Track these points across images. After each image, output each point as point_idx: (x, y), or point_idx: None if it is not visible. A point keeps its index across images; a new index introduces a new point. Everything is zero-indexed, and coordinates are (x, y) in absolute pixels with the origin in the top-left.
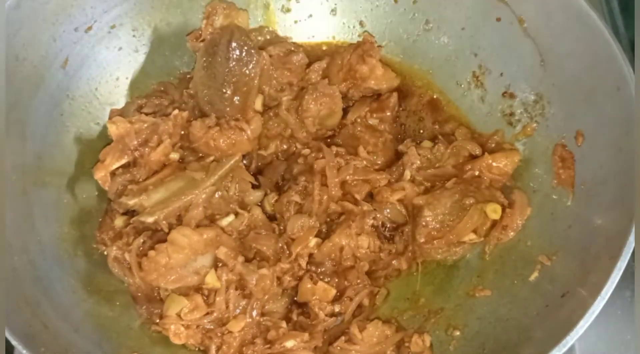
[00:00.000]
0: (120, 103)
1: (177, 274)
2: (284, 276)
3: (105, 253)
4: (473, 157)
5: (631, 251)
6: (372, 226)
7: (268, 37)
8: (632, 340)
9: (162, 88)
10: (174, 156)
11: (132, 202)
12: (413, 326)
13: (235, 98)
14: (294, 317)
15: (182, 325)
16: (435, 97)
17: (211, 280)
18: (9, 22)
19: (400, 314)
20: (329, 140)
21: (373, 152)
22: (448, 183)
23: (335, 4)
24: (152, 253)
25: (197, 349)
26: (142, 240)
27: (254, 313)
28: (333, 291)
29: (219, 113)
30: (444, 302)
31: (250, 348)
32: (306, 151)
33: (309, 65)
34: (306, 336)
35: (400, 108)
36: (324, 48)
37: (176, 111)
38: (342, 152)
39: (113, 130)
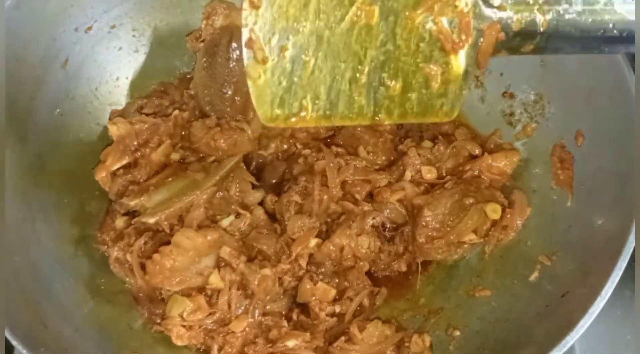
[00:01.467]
0: (121, 104)
1: (181, 276)
2: (285, 276)
3: (106, 253)
4: (473, 157)
5: (631, 251)
6: (372, 226)
7: None
8: (632, 340)
9: (163, 89)
10: (175, 156)
11: (133, 203)
12: (413, 326)
13: (236, 98)
14: (295, 317)
15: (184, 326)
16: None
17: (215, 280)
18: (9, 22)
19: (400, 314)
20: (329, 140)
21: (373, 152)
22: (448, 183)
23: None
24: (156, 256)
25: (199, 349)
26: (143, 241)
27: (256, 312)
28: (333, 292)
29: (220, 114)
30: (444, 302)
31: (252, 347)
32: (306, 151)
33: None
34: (307, 335)
35: None
36: None
37: (177, 111)
38: (342, 152)
39: (114, 131)
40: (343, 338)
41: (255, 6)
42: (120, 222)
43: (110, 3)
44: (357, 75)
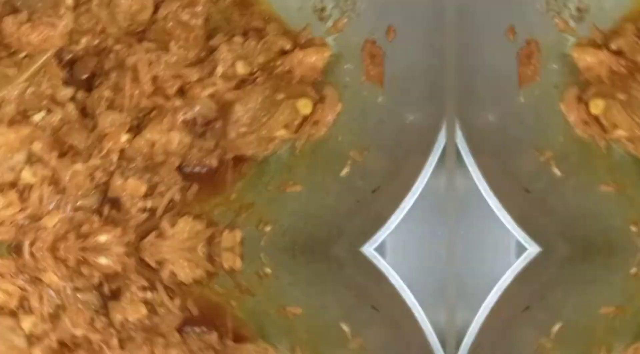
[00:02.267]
0: None
1: None
2: (96, 171)
3: None
4: (284, 53)
5: (442, 147)
6: (184, 121)
7: None
8: (443, 235)
9: None
10: None
11: None
12: (224, 222)
13: None
14: (106, 212)
15: None
16: None
17: (27, 176)
18: None
19: (212, 210)
20: (140, 36)
21: (184, 48)
22: (259, 78)
23: None
24: None
25: (10, 245)
26: None
27: (68, 208)
28: (143, 187)
29: (31, 9)
30: (255, 197)
31: (63, 243)
32: (117, 46)
33: None
34: (119, 230)
35: (212, 3)
36: None
37: None
38: (153, 48)
39: None
40: (154, 233)
41: None
42: None
43: None
44: None
